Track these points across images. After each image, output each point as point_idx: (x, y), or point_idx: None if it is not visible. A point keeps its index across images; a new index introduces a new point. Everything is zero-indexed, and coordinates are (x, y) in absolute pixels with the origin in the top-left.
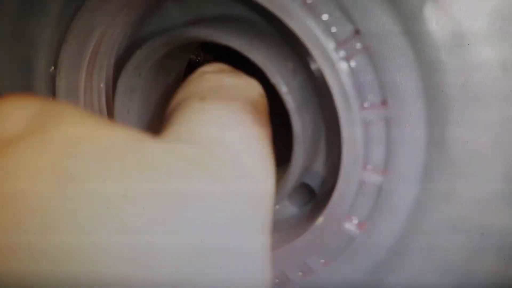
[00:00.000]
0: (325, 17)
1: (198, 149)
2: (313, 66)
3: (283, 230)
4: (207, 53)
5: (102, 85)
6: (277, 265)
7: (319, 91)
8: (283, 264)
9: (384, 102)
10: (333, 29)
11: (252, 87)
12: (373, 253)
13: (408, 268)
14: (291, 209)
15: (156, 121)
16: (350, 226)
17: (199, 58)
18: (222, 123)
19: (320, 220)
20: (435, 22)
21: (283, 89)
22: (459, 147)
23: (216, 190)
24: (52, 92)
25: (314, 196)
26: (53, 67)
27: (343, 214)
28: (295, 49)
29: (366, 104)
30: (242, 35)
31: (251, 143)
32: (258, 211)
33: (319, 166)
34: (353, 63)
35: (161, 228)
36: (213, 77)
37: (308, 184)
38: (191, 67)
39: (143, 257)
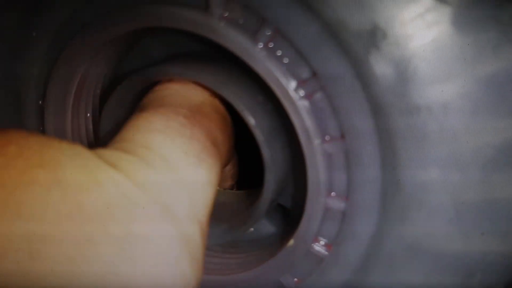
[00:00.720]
0: (285, 60)
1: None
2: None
3: (261, 248)
4: None
5: (88, 115)
6: (254, 283)
7: (286, 123)
8: (260, 282)
9: (342, 136)
10: (293, 71)
11: (194, 93)
12: (340, 273)
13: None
14: (268, 227)
15: None
16: (319, 247)
17: None
18: (147, 128)
19: (291, 242)
20: (380, 66)
21: (251, 122)
22: (411, 182)
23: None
24: (41, 123)
25: (289, 215)
26: (42, 101)
27: (311, 236)
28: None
29: (327, 138)
30: (212, 72)
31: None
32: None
33: (291, 188)
34: (312, 101)
35: None
36: (162, 87)
37: (283, 205)
38: None
39: None
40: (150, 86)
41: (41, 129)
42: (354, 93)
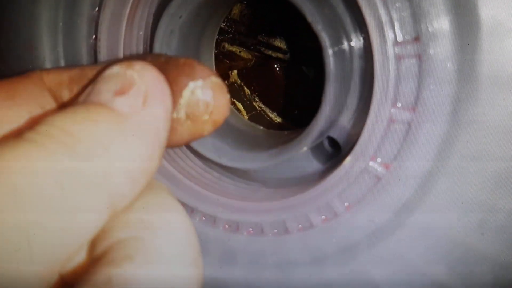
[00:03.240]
0: None
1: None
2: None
3: (308, 181)
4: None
5: (141, 33)
6: (299, 209)
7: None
8: (306, 208)
9: (417, 38)
10: None
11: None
12: (398, 193)
13: (432, 207)
14: (315, 164)
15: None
16: (377, 165)
17: (243, 19)
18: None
19: (348, 159)
20: None
21: (319, 26)
22: (490, 79)
23: None
24: (94, 32)
25: (339, 152)
26: (97, 9)
27: (371, 153)
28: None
29: (399, 39)
30: None
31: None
32: None
33: (346, 120)
34: None
35: None
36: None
37: (334, 138)
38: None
39: None
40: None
41: (93, 39)
42: None
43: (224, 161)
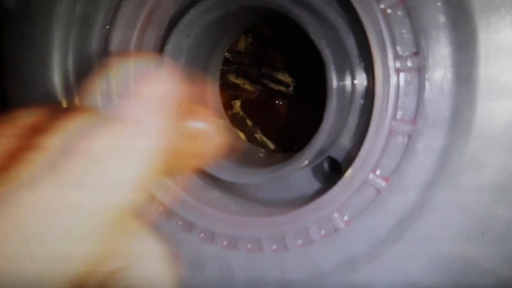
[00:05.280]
0: None
1: None
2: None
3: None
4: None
5: (150, 48)
6: (299, 224)
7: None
8: (305, 223)
9: (416, 53)
10: None
11: None
12: (398, 205)
13: (432, 218)
14: (315, 184)
15: (196, 84)
16: (377, 178)
17: (248, 51)
18: None
19: (349, 172)
20: None
21: (323, 43)
22: (488, 88)
23: None
24: (104, 49)
25: (339, 172)
26: (108, 26)
27: (371, 165)
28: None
29: (400, 53)
30: None
31: None
32: None
33: (346, 140)
34: (391, 12)
35: None
36: None
37: (334, 157)
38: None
39: None
40: (222, 20)
41: (105, 55)
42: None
43: (225, 176)
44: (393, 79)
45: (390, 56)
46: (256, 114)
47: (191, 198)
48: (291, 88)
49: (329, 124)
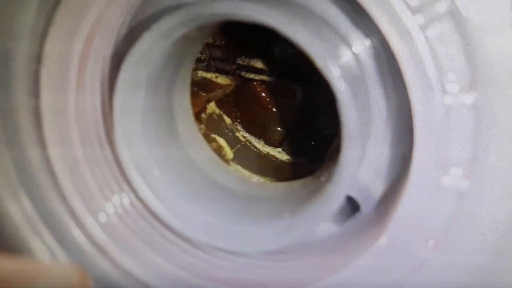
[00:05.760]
0: None
1: None
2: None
3: (325, 252)
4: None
5: (96, 84)
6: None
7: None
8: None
9: (472, 84)
10: None
11: None
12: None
13: None
14: (330, 227)
15: (165, 125)
16: (421, 246)
17: (217, 42)
18: None
19: (383, 239)
20: None
21: (334, 73)
22: None
23: None
24: (34, 92)
25: (357, 211)
26: (35, 63)
27: (413, 231)
28: (348, 17)
29: (448, 87)
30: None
31: None
32: None
33: (365, 174)
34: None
35: None
36: None
37: (352, 197)
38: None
39: None
40: (185, 38)
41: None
42: None
43: (219, 243)
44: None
45: (437, 93)
46: (234, 109)
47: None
48: (272, 76)
49: (350, 140)
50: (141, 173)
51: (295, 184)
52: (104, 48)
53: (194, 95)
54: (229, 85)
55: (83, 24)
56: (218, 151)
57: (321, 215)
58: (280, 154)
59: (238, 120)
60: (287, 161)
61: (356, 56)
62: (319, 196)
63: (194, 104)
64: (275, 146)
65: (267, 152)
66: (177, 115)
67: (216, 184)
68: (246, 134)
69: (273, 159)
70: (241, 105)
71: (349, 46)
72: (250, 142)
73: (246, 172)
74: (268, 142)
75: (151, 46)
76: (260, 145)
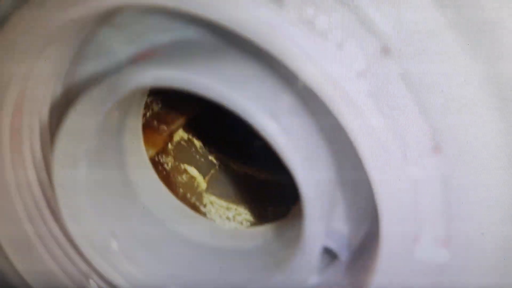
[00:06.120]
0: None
1: None
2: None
3: None
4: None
5: (36, 158)
6: None
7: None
8: None
9: (436, 148)
10: None
11: None
12: None
13: None
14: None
15: (116, 187)
16: None
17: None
18: None
19: None
20: None
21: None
22: None
23: None
24: None
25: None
26: None
27: None
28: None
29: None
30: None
31: None
32: None
33: (340, 223)
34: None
35: None
36: None
37: (330, 247)
38: None
39: None
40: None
41: None
42: None
43: None
44: (403, 188)
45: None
46: (204, 129)
47: None
48: None
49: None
50: (96, 249)
51: (270, 232)
52: (35, 122)
53: (154, 132)
54: (194, 108)
55: (7, 99)
56: (190, 184)
57: (299, 276)
58: (258, 173)
59: (210, 141)
60: (267, 180)
61: None
62: (295, 253)
63: (156, 142)
64: (253, 164)
65: (245, 173)
66: (129, 171)
67: (183, 239)
68: (221, 156)
69: (251, 180)
70: (211, 124)
71: None
72: (226, 164)
73: (222, 203)
74: (247, 161)
75: (80, 123)
76: (237, 166)
